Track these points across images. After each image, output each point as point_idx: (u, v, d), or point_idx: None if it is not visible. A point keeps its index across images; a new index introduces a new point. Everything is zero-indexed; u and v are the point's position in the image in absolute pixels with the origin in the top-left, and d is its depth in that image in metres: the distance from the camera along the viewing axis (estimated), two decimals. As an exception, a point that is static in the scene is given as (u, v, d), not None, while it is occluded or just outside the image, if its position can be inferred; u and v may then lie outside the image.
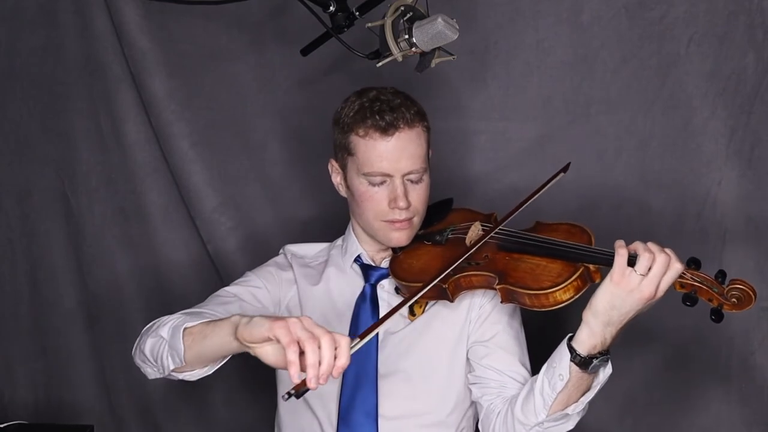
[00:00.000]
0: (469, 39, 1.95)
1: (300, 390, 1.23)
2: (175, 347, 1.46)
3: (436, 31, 1.54)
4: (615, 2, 2.07)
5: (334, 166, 1.76)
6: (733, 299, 1.42)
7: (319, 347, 1.21)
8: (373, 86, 1.71)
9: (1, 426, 2.08)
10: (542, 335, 1.73)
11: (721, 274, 1.44)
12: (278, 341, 1.23)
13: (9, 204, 2.47)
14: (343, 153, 1.70)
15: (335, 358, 1.22)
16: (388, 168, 1.64)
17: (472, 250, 1.59)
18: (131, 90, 2.32)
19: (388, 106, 1.64)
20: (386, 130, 1.63)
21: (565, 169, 1.72)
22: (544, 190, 1.67)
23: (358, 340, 1.30)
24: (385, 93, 1.68)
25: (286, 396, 1.23)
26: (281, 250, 1.89)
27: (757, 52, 2.01)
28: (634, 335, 2.10)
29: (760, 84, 2.02)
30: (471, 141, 2.21)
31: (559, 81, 2.13)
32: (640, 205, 2.12)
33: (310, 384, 1.21)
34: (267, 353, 1.28)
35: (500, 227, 1.62)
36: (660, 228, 2.10)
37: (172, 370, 1.50)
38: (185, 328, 1.45)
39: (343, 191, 1.77)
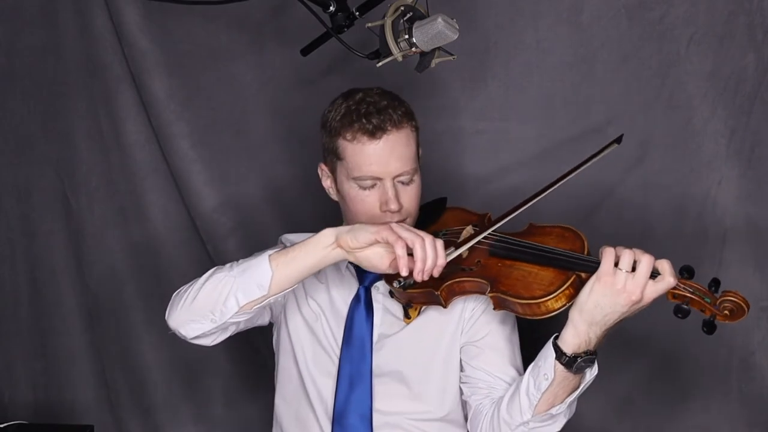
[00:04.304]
0: (469, 39, 1.94)
1: (408, 281, 1.47)
2: (257, 277, 1.54)
3: (436, 31, 1.54)
4: (615, 2, 2.07)
5: (324, 171, 1.75)
6: (726, 311, 1.40)
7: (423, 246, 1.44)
8: (360, 87, 1.70)
9: (1, 426, 2.09)
10: (532, 337, 1.74)
11: (715, 283, 1.42)
12: (385, 242, 1.45)
13: (9, 204, 2.47)
14: (332, 157, 1.69)
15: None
16: (378, 171, 1.63)
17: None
18: (131, 90, 2.32)
19: (374, 108, 1.62)
20: (374, 133, 1.61)
21: (618, 141, 1.67)
22: (589, 165, 1.64)
23: (453, 248, 1.53)
24: (371, 94, 1.66)
25: (397, 283, 1.48)
26: (280, 239, 1.89)
27: (757, 52, 2.01)
28: (634, 335, 2.11)
29: (760, 84, 2.02)
30: (471, 141, 2.21)
31: (559, 81, 2.13)
32: (640, 205, 2.12)
33: (418, 276, 1.44)
34: (370, 256, 1.49)
35: (495, 226, 1.61)
36: (660, 228, 2.10)
37: (239, 309, 1.55)
38: (270, 255, 1.55)
39: (333, 195, 1.76)
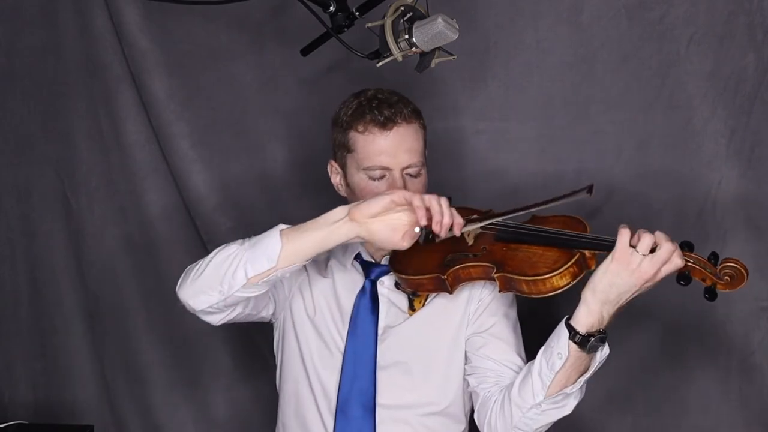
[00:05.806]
0: (469, 39, 1.94)
1: (428, 230, 1.50)
2: (267, 250, 1.54)
3: (436, 31, 1.55)
4: (615, 2, 2.08)
5: (333, 167, 1.78)
6: (726, 277, 1.46)
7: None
8: (370, 87, 1.74)
9: (1, 426, 2.09)
10: (534, 324, 1.75)
11: (714, 256, 1.47)
12: (402, 201, 1.48)
13: (9, 204, 2.47)
14: (343, 151, 1.73)
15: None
16: (388, 161, 1.67)
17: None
18: (131, 90, 2.32)
19: (386, 103, 1.68)
20: (385, 124, 1.66)
21: (589, 191, 1.63)
22: (556, 204, 1.62)
23: (465, 222, 1.55)
24: (382, 92, 1.72)
25: (419, 229, 1.50)
26: None
27: (757, 52, 2.01)
28: (635, 336, 2.11)
29: (760, 84, 2.02)
30: (471, 141, 2.21)
31: (559, 81, 2.13)
32: (640, 205, 2.12)
33: (437, 227, 1.49)
34: (382, 229, 1.50)
35: (502, 217, 1.62)
36: (660, 228, 2.09)
37: (247, 282, 1.54)
38: (281, 230, 1.56)
39: (342, 191, 1.79)
